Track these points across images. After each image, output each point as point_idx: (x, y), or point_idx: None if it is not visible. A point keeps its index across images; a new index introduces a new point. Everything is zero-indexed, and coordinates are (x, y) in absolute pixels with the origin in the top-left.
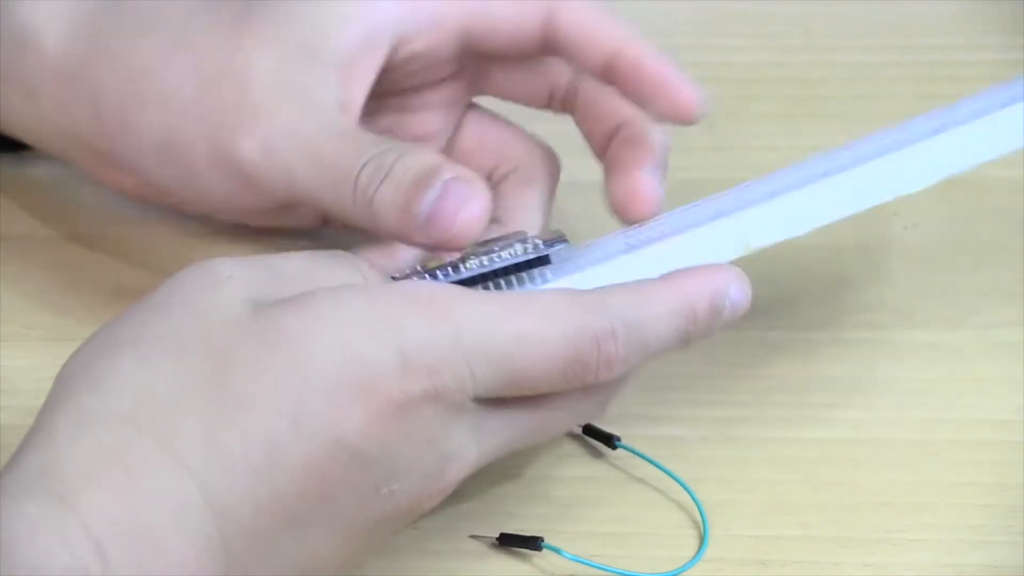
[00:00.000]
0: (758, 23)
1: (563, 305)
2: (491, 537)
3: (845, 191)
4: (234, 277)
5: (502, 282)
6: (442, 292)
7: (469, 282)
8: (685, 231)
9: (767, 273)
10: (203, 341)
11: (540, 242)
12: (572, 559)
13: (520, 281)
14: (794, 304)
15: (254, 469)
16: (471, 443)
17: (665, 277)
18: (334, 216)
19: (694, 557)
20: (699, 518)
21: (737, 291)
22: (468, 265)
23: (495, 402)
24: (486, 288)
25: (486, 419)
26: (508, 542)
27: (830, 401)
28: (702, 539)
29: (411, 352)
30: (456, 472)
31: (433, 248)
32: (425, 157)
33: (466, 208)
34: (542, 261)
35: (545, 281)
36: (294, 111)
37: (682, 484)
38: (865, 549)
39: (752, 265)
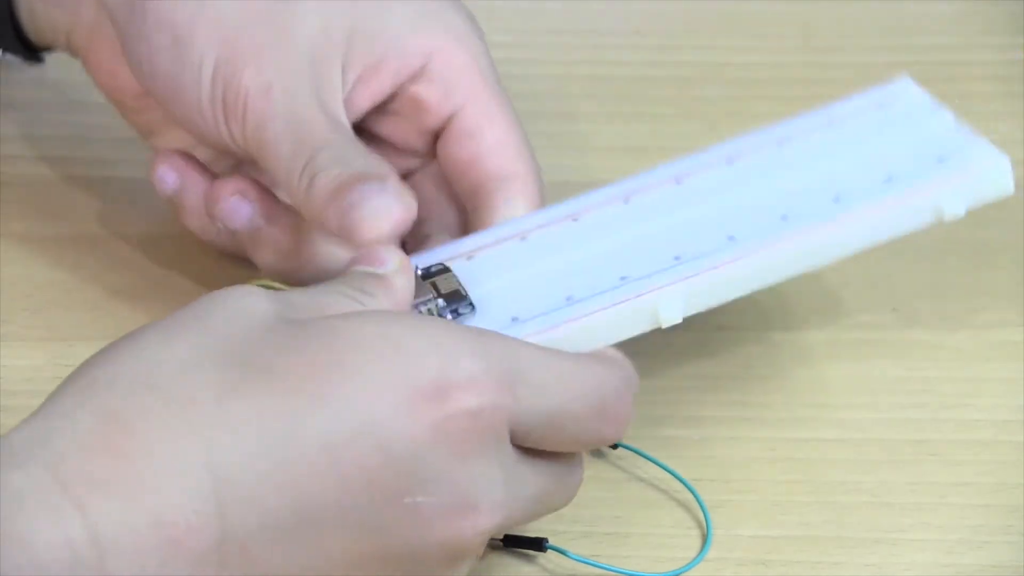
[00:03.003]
0: (758, 23)
1: (585, 356)
2: (496, 538)
3: (778, 261)
4: (258, 294)
5: None
6: (481, 327)
7: None
8: (595, 311)
9: None
10: (232, 329)
11: (444, 306)
12: (577, 559)
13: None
14: (793, 304)
15: (266, 443)
16: (500, 483)
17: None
18: (274, 177)
19: (697, 556)
20: (702, 518)
21: None
22: None
23: (526, 450)
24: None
25: (518, 464)
26: (513, 543)
27: (830, 401)
28: (704, 538)
29: (458, 359)
30: (485, 514)
31: (343, 236)
32: (358, 166)
33: (388, 213)
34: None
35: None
36: (304, 80)
37: (685, 483)
38: (865, 549)
39: None
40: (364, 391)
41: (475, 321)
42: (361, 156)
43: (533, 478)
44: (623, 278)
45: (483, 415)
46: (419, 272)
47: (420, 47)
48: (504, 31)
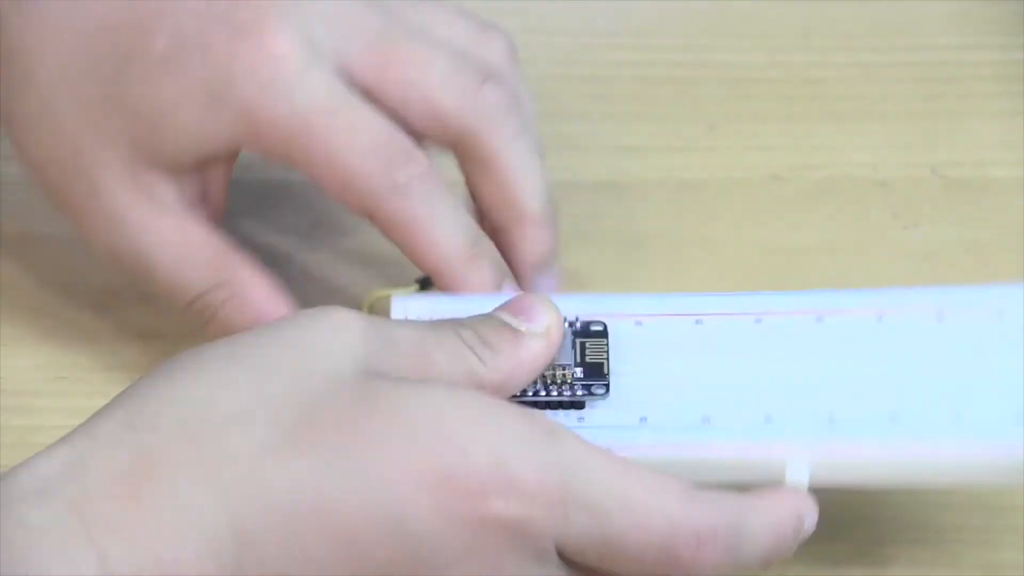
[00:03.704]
0: (758, 23)
1: (673, 487)
2: None
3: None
4: (354, 330)
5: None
6: (558, 423)
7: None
8: (729, 449)
9: (767, 273)
10: (298, 376)
11: (580, 378)
12: None
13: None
14: None
15: (293, 514)
16: None
17: (759, 494)
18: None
19: None
20: None
21: (811, 520)
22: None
23: (581, 567)
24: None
25: None
26: None
27: None
28: None
29: (511, 467)
30: None
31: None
32: (247, 309)
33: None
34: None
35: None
36: (135, 217)
37: None
38: (866, 549)
39: (753, 265)
40: (405, 483)
41: (604, 407)
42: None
43: None
44: (768, 418)
45: (523, 528)
46: (577, 325)
47: None
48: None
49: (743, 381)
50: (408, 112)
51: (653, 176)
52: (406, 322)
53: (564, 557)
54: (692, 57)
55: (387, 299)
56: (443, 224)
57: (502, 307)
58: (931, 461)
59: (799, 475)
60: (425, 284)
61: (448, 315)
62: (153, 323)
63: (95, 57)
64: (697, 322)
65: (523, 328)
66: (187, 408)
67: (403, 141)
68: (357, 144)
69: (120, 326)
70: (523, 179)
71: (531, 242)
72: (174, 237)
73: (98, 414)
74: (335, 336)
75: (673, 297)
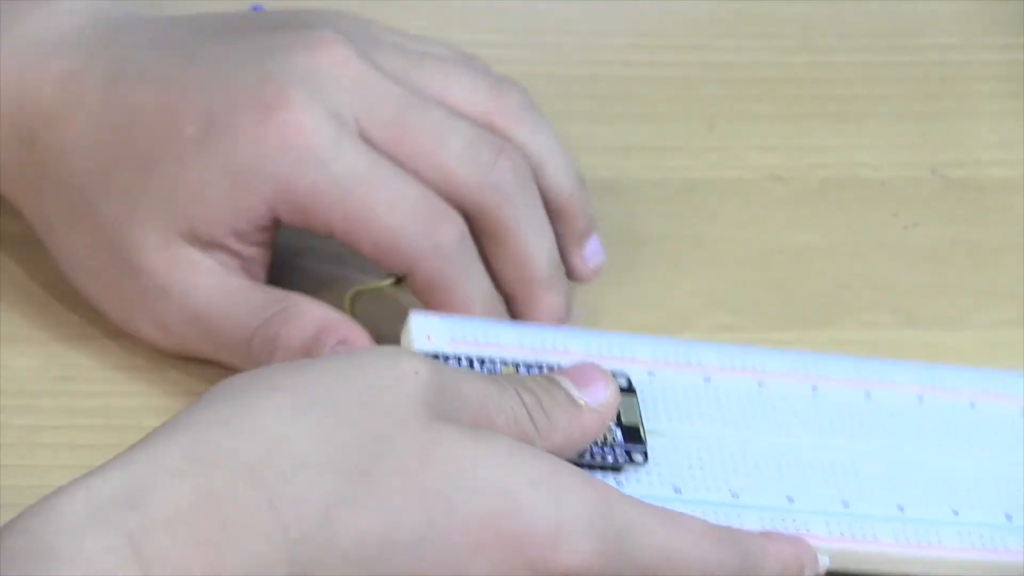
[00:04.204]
0: (758, 23)
1: (705, 530)
2: None
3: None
4: (420, 374)
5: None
6: (611, 485)
7: None
8: (753, 526)
9: (767, 273)
10: (365, 419)
11: (621, 443)
12: None
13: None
14: (794, 304)
15: (356, 563)
16: None
17: (770, 535)
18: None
19: None
20: None
21: (813, 567)
22: None
23: None
24: None
25: None
26: None
27: None
28: None
29: (570, 529)
30: None
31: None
32: (307, 324)
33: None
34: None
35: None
36: (179, 287)
37: None
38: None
39: (753, 265)
40: (467, 542)
41: (640, 476)
42: None
43: None
44: (790, 499)
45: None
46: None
47: None
48: (503, 31)
49: (761, 449)
50: (424, 182)
51: (653, 176)
52: (470, 374)
53: None
54: (692, 57)
55: (367, 293)
56: (475, 285)
57: (566, 372)
58: (936, 559)
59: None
60: (400, 279)
61: (468, 339)
62: None
63: (126, 147)
64: (705, 380)
65: (582, 402)
66: (255, 448)
67: (440, 203)
68: (398, 208)
69: (120, 326)
70: (533, 249)
71: (545, 304)
72: (220, 291)
73: (159, 436)
74: (403, 381)
75: (684, 345)
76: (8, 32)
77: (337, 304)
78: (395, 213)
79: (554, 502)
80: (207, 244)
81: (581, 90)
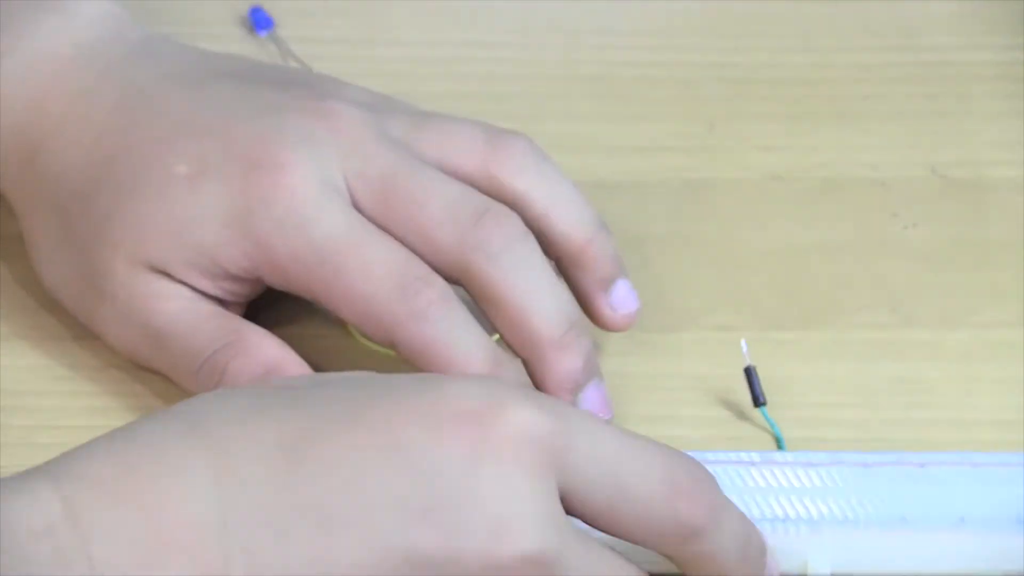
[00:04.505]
0: (758, 23)
1: (655, 443)
2: None
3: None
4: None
5: None
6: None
7: None
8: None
9: (767, 273)
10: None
11: None
12: None
13: None
14: (794, 304)
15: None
16: (541, 515)
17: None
18: None
19: None
20: None
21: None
22: None
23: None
24: None
25: (567, 522)
26: None
27: (830, 401)
28: None
29: (507, 400)
30: (518, 534)
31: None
32: (256, 361)
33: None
34: None
35: None
36: (139, 315)
37: None
38: None
39: (753, 265)
40: (396, 416)
41: None
42: None
43: (584, 547)
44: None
45: (525, 444)
46: None
47: None
48: (504, 31)
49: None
50: (410, 248)
51: (653, 176)
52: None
53: (571, 512)
54: (692, 57)
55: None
56: (462, 346)
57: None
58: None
59: (821, 568)
60: None
61: None
62: None
63: (114, 172)
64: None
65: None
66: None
67: (419, 267)
68: (373, 274)
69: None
70: (532, 307)
71: (556, 367)
72: (184, 311)
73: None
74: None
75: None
76: (26, 41)
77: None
78: (369, 280)
79: (483, 386)
80: (174, 278)
81: (581, 90)
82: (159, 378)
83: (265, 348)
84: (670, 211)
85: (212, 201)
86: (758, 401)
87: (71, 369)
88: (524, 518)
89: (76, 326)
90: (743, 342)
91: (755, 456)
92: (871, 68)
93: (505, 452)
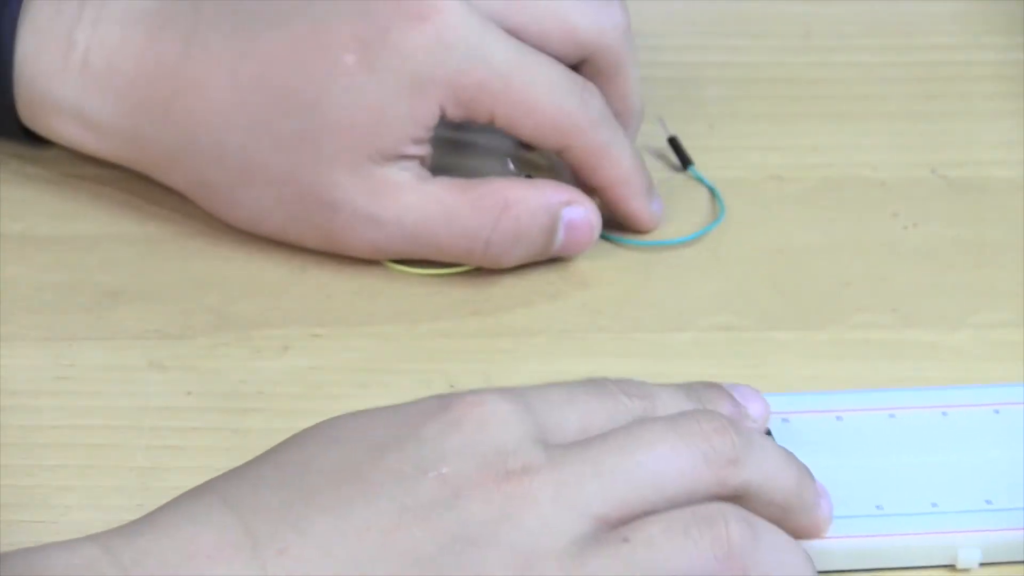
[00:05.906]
0: (758, 23)
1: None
2: None
3: None
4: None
5: None
6: None
7: None
8: (904, 533)
9: (767, 273)
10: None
11: None
12: None
13: None
14: (794, 304)
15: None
16: (538, 449)
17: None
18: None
19: None
20: None
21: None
22: None
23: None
24: None
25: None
26: None
27: None
28: None
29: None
30: (514, 456)
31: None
32: (537, 207)
33: None
34: None
35: None
36: (389, 212)
37: None
38: None
39: (753, 265)
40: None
41: None
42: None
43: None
44: (934, 504)
45: (495, 415)
46: None
47: None
48: None
49: (903, 469)
50: (549, 39)
51: (654, 176)
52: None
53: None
54: (692, 57)
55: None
56: (625, 143)
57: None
58: None
59: (972, 557)
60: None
61: None
62: (153, 323)
63: (277, 95)
64: (838, 419)
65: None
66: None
67: (580, 78)
68: (555, 89)
69: (120, 326)
70: (637, 85)
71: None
72: (429, 204)
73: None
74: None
75: (807, 396)
76: (119, 2)
77: None
78: (553, 94)
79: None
80: (393, 159)
81: None
82: (160, 378)
83: (541, 194)
84: (670, 211)
85: (396, 68)
86: (686, 163)
87: (71, 369)
88: (517, 452)
89: (76, 326)
90: (661, 119)
91: None
92: (871, 68)
93: (484, 416)
